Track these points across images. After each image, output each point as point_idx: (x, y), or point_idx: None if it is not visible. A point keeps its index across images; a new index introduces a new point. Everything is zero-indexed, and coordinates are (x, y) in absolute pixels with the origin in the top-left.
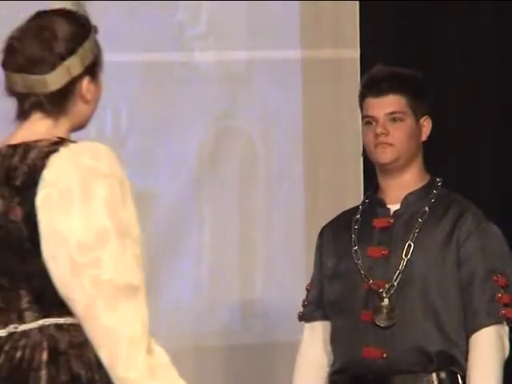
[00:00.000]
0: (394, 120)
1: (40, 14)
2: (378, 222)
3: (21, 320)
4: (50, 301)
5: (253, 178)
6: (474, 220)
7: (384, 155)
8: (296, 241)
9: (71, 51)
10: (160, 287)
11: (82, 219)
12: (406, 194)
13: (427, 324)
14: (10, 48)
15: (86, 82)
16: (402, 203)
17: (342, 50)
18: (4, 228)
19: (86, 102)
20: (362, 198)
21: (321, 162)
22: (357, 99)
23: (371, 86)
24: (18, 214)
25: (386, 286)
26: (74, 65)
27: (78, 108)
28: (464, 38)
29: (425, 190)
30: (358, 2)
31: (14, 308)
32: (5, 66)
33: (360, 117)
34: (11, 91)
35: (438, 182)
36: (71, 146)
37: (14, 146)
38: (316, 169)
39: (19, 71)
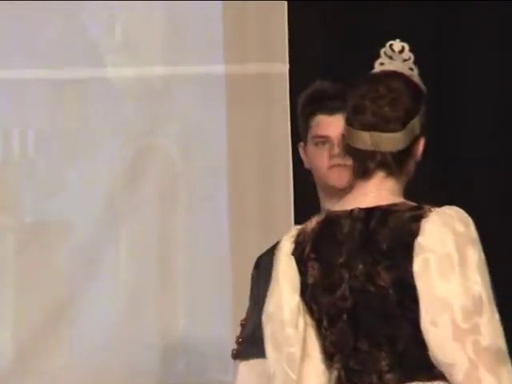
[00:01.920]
0: None
1: (376, 76)
2: None
3: (381, 381)
4: (415, 364)
5: (172, 202)
6: None
7: (341, 178)
8: (222, 269)
9: (416, 111)
10: (74, 320)
11: (461, 285)
12: None
13: None
14: (360, 107)
15: (421, 141)
16: None
17: (269, 64)
18: (366, 292)
19: (415, 160)
20: (292, 224)
21: (248, 185)
22: (286, 117)
23: (323, 103)
24: (385, 278)
25: None
26: (416, 124)
27: (410, 166)
28: None
29: None
30: (286, 13)
31: (371, 370)
32: (352, 124)
33: (289, 136)
34: (352, 149)
35: None
36: (437, 211)
37: (368, 210)
38: (242, 193)
39: (369, 129)
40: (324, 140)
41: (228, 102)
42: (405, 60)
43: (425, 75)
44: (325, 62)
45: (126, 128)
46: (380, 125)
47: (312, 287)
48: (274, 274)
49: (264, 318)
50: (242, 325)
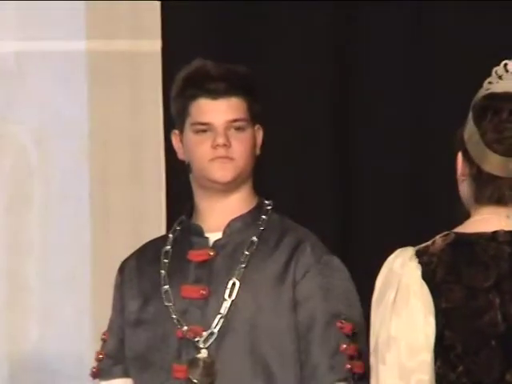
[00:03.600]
0: (237, 129)
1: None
2: (195, 255)
3: None
4: None
5: (26, 199)
6: (313, 252)
7: (223, 172)
8: (81, 278)
9: None
10: None
11: None
12: (229, 220)
13: (256, 383)
14: (503, 131)
15: None
16: (224, 231)
17: (139, 42)
18: None
19: None
20: (163, 225)
21: (112, 179)
22: (158, 101)
23: (205, 85)
24: None
25: (204, 333)
26: None
27: None
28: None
29: (252, 216)
30: None
31: None
32: (495, 150)
33: (162, 123)
34: (485, 174)
35: (268, 205)
36: None
37: None
38: (107, 189)
39: None
40: (206, 128)
41: (90, 85)
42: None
43: None
44: (204, 41)
45: None
46: None
47: (449, 311)
48: (401, 294)
49: (385, 341)
50: (103, 339)
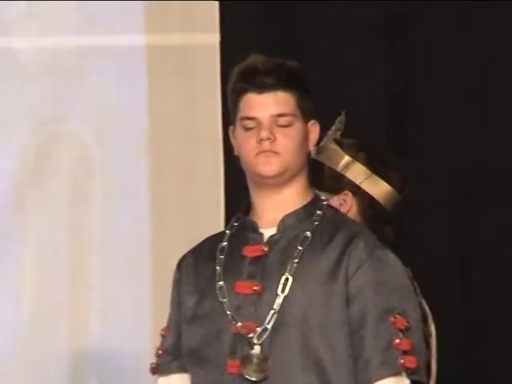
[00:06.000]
0: (283, 124)
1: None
2: (249, 251)
3: None
4: None
5: (87, 194)
6: (366, 247)
7: (268, 166)
8: (141, 273)
9: None
10: None
11: None
12: (283, 215)
13: (309, 378)
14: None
15: None
16: (278, 227)
17: (197, 35)
18: None
19: None
20: (221, 219)
21: (170, 173)
22: (216, 95)
23: (253, 80)
24: None
25: (258, 329)
26: None
27: None
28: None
29: (306, 211)
30: None
31: None
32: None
33: (220, 117)
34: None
35: (324, 200)
36: None
37: None
38: (164, 182)
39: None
40: (251, 122)
41: (149, 79)
42: (338, 129)
43: None
44: (262, 35)
45: (32, 110)
46: None
47: None
48: None
49: None
50: (162, 335)
